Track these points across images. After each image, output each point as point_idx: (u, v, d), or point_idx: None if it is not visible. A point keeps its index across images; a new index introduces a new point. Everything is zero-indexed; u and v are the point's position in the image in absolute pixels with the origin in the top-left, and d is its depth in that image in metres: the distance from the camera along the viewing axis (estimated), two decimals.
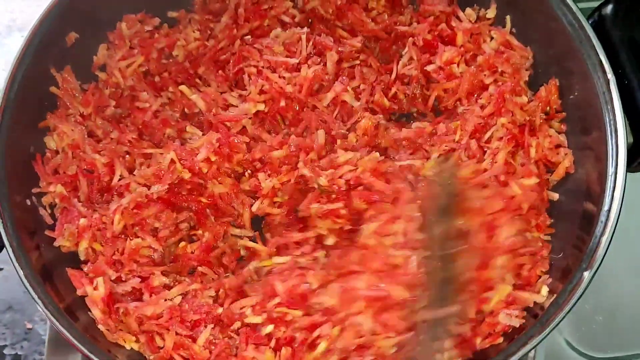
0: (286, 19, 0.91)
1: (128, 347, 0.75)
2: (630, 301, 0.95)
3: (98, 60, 0.87)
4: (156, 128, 0.85)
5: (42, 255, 0.74)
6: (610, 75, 0.73)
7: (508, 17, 0.86)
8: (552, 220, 0.79)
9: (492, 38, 0.86)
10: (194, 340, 0.74)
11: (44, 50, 0.78)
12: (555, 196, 0.79)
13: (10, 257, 0.70)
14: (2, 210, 0.70)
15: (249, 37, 0.89)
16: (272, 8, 0.91)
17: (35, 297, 0.70)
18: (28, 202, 0.76)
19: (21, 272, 0.68)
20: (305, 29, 0.87)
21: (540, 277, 0.74)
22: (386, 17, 0.92)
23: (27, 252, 0.72)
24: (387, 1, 0.92)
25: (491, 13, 0.87)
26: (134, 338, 0.75)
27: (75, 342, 0.69)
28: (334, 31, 0.91)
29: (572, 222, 0.75)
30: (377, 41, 0.93)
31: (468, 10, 0.88)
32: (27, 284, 0.69)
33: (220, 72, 0.89)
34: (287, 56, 0.85)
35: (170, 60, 0.90)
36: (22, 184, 0.76)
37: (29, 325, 1.02)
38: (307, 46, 0.86)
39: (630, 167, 0.73)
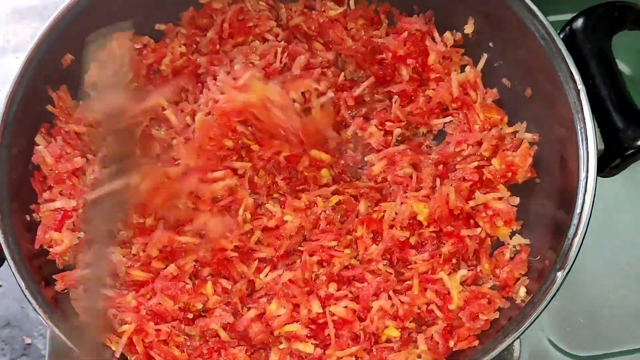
0: (269, 36, 0.93)
1: (113, 348, 0.76)
2: (609, 301, 0.97)
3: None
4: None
5: (42, 269, 0.76)
6: (580, 86, 0.76)
7: (484, 56, 0.90)
8: (522, 224, 0.83)
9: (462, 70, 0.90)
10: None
11: (41, 71, 0.81)
12: (516, 200, 0.83)
13: (11, 269, 0.72)
14: (3, 227, 0.72)
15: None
16: (256, 26, 0.94)
17: (36, 306, 0.72)
18: (27, 217, 0.79)
19: (22, 284, 0.70)
20: (283, 43, 0.91)
21: (518, 279, 0.77)
22: (363, 33, 0.94)
23: (28, 265, 0.74)
24: (365, 20, 0.95)
25: (469, 29, 0.90)
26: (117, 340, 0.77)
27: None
28: (310, 45, 0.94)
29: (547, 226, 0.78)
30: (352, 57, 0.95)
31: (447, 33, 0.91)
32: (28, 295, 0.71)
33: (199, 84, 0.91)
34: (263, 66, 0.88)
35: (157, 74, 0.93)
36: (23, 200, 0.78)
37: (28, 340, 1.03)
38: (282, 57, 0.88)
39: (602, 172, 0.77)
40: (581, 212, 0.71)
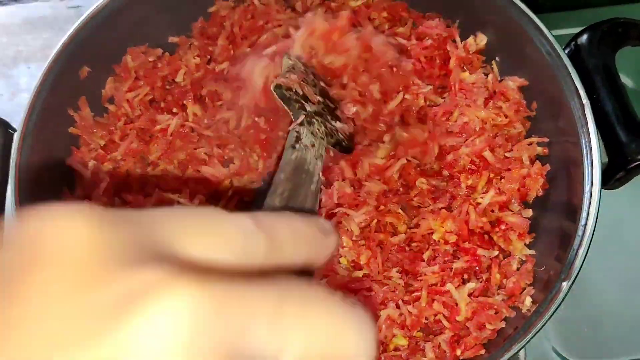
0: (279, 31, 0.93)
1: None
2: (614, 311, 0.97)
3: (106, 93, 0.92)
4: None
5: None
6: (585, 101, 0.78)
7: (494, 62, 0.91)
8: (534, 236, 0.83)
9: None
10: None
11: (59, 85, 0.83)
12: (529, 212, 0.84)
13: None
14: None
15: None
16: (267, 22, 0.94)
17: None
18: None
19: None
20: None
21: (524, 288, 0.79)
22: (387, 27, 0.95)
23: None
24: (388, 13, 0.95)
25: (481, 41, 0.91)
26: None
27: None
28: None
29: (553, 237, 0.80)
30: None
31: (470, 39, 0.91)
32: None
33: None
34: None
35: (173, 85, 0.94)
36: None
37: None
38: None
39: (607, 185, 0.78)
40: (586, 224, 0.72)
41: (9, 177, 0.76)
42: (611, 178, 0.78)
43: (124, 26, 0.90)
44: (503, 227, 0.82)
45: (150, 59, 0.93)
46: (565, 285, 0.69)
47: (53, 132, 0.84)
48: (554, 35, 0.82)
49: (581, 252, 0.70)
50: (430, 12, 0.95)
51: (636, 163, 0.76)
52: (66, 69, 0.84)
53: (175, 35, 0.96)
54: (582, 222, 0.72)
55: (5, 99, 1.31)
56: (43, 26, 1.42)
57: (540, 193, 0.83)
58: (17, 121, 1.23)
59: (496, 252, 0.81)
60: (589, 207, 0.72)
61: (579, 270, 0.69)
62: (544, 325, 0.68)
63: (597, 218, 0.72)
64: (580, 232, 0.72)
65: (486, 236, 0.82)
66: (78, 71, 0.87)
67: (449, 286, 0.77)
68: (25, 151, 0.78)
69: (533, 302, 0.75)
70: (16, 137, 0.79)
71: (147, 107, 0.92)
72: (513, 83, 0.87)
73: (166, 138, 0.89)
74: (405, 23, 0.95)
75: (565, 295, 0.68)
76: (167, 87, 0.93)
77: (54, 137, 0.85)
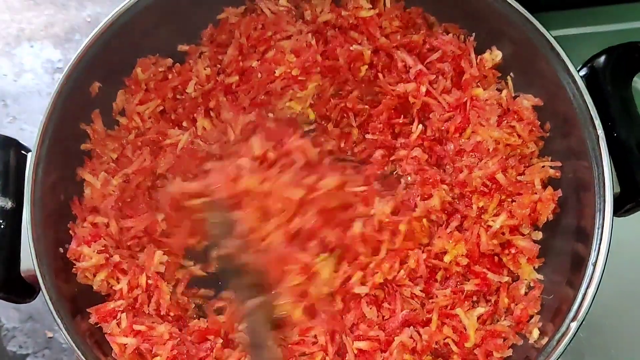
0: (287, 44, 0.92)
1: None
2: (620, 322, 0.97)
3: (117, 106, 0.91)
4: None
5: (76, 300, 0.80)
6: (600, 132, 0.77)
7: (509, 78, 0.90)
8: (543, 261, 0.84)
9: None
10: None
11: (71, 103, 0.82)
12: (539, 235, 0.85)
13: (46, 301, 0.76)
14: (39, 263, 0.75)
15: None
16: (276, 32, 0.93)
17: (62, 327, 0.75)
18: (61, 250, 0.81)
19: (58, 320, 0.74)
20: (310, 35, 0.91)
21: (531, 316, 0.80)
22: (399, 36, 0.93)
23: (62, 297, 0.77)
24: (401, 22, 0.93)
25: (496, 57, 0.90)
26: None
27: None
28: (346, 35, 0.93)
29: (562, 263, 0.81)
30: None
31: (487, 54, 0.90)
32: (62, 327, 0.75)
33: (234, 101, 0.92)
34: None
35: (184, 96, 0.93)
36: (56, 232, 0.81)
37: (50, 334, 1.06)
38: (318, 46, 0.89)
39: (616, 213, 0.79)
40: (595, 262, 0.73)
41: (24, 198, 0.77)
42: (621, 207, 0.79)
43: (134, 37, 0.89)
44: (513, 250, 0.83)
45: (160, 69, 0.92)
46: (573, 325, 0.70)
47: (66, 148, 0.84)
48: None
49: (590, 292, 0.71)
50: (446, 23, 0.93)
51: None
52: (77, 87, 0.83)
53: (185, 43, 0.95)
54: (592, 259, 0.73)
55: (9, 80, 1.30)
56: (45, 3, 1.39)
57: (551, 217, 0.84)
58: (23, 106, 1.25)
59: (506, 278, 0.83)
60: (599, 243, 0.73)
61: (588, 311, 0.71)
62: None
63: (607, 255, 0.73)
64: (589, 271, 0.72)
65: (496, 258, 0.84)
66: (89, 88, 0.86)
67: (458, 311, 0.79)
68: (40, 171, 0.78)
69: (541, 334, 0.77)
70: (30, 157, 0.78)
71: (158, 119, 0.92)
72: (528, 102, 0.87)
73: (174, 153, 0.89)
74: (420, 30, 0.94)
75: (574, 335, 0.70)
76: (178, 97, 0.93)
77: (67, 154, 0.85)
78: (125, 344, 0.78)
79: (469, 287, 0.81)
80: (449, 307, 0.80)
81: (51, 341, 1.06)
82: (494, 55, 0.90)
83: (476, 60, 0.90)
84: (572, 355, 0.94)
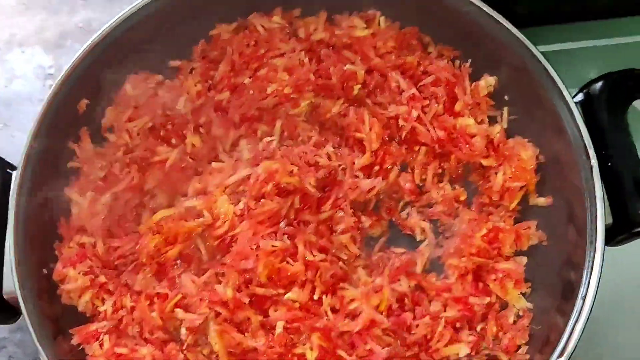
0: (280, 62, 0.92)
1: None
2: (612, 326, 0.95)
3: (106, 123, 0.91)
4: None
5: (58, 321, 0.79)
6: (593, 162, 0.77)
7: (505, 110, 0.90)
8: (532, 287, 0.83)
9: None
10: None
11: (58, 121, 0.82)
12: (524, 260, 0.84)
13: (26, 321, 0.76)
14: (21, 282, 0.75)
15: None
16: (269, 50, 0.92)
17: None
18: (45, 270, 0.81)
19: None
20: (303, 54, 0.90)
21: (520, 346, 0.79)
22: (393, 57, 0.93)
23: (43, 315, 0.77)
24: (396, 42, 0.93)
25: (489, 85, 0.90)
26: None
27: None
28: (339, 54, 0.92)
29: (552, 293, 0.80)
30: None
31: (482, 81, 0.90)
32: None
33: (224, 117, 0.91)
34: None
35: (174, 112, 0.92)
36: (39, 254, 0.80)
37: None
38: (310, 65, 0.89)
39: (609, 244, 0.78)
40: (585, 296, 0.72)
41: (8, 216, 0.76)
42: (613, 238, 0.78)
43: (124, 53, 0.88)
44: (500, 274, 0.83)
45: (150, 86, 0.91)
46: None
47: (52, 167, 0.84)
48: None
49: (578, 328, 0.71)
50: (441, 44, 0.93)
51: None
52: (64, 104, 0.83)
53: (177, 59, 0.94)
54: (582, 292, 0.72)
55: (0, 85, 1.29)
56: (37, 8, 1.38)
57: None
58: (14, 113, 1.24)
59: (487, 299, 0.82)
60: (589, 278, 0.73)
61: (577, 345, 0.70)
62: None
63: (596, 291, 0.72)
64: (578, 306, 0.72)
65: (481, 284, 0.83)
66: (76, 105, 0.85)
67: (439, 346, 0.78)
68: (24, 192, 0.78)
69: None
70: (15, 175, 0.78)
71: (147, 136, 0.91)
72: (526, 153, 0.86)
73: (163, 169, 0.88)
74: (415, 51, 0.93)
75: None
76: (168, 113, 0.92)
77: (53, 173, 0.84)
78: None
79: (450, 313, 0.80)
80: (428, 336, 0.79)
81: None
82: (488, 82, 0.89)
83: (470, 87, 0.89)
84: None
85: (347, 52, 0.92)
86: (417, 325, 0.80)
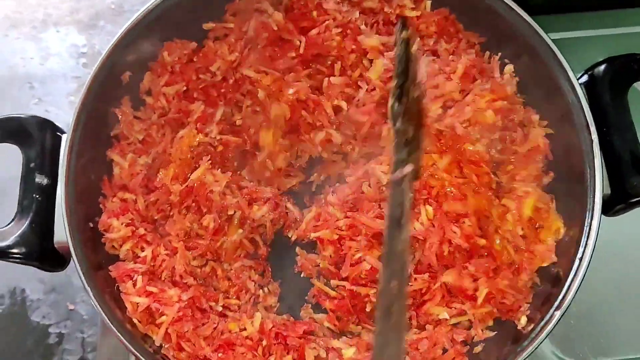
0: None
1: (154, 338, 0.84)
2: (612, 311, 1.02)
3: (144, 87, 0.97)
4: None
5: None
6: (594, 137, 0.83)
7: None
8: None
9: None
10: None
11: (104, 90, 0.89)
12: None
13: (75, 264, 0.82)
14: (72, 233, 0.82)
15: None
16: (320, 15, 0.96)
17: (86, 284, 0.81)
18: (90, 224, 0.88)
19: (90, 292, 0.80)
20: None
21: (521, 306, 0.85)
22: (431, 42, 0.97)
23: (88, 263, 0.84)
24: (437, 27, 0.97)
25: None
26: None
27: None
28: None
29: (556, 252, 0.85)
30: None
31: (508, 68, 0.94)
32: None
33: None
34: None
35: (207, 74, 0.97)
36: (86, 209, 0.87)
37: (71, 307, 1.12)
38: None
39: (606, 214, 0.84)
40: (582, 257, 0.78)
41: (59, 178, 0.83)
42: (611, 208, 0.84)
43: (163, 27, 0.94)
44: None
45: (185, 52, 0.96)
46: (557, 314, 0.76)
47: (97, 132, 0.90)
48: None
49: (575, 285, 0.77)
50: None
51: (637, 199, 0.82)
52: (110, 75, 0.89)
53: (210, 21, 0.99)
54: (579, 254, 0.79)
55: (36, 63, 1.35)
56: None
57: None
58: (48, 89, 1.30)
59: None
60: (586, 241, 0.79)
61: (571, 302, 0.76)
62: (536, 348, 0.76)
63: (593, 252, 0.78)
64: (575, 266, 0.78)
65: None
66: (120, 76, 0.92)
67: None
68: (74, 153, 0.84)
69: (528, 321, 0.82)
70: (65, 140, 0.85)
71: (181, 98, 0.97)
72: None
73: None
74: (451, 40, 0.98)
75: (557, 322, 0.76)
76: (201, 75, 0.97)
77: (98, 137, 0.91)
78: (137, 303, 0.84)
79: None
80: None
81: (72, 313, 1.11)
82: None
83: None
84: (562, 341, 0.99)
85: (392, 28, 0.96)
86: (415, 279, 0.86)
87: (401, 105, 0.77)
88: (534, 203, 0.85)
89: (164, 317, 0.83)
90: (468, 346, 0.85)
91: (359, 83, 0.95)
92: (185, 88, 0.97)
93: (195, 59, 0.97)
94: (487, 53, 0.96)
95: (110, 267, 0.86)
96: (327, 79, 0.95)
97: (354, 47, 0.95)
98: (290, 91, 0.92)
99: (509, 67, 0.93)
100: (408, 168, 0.71)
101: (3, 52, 1.35)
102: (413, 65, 0.80)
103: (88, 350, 1.09)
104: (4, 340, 1.09)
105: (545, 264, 0.85)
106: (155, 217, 0.91)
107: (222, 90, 0.97)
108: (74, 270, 0.80)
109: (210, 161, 0.91)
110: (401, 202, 0.68)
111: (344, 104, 0.95)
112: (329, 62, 0.98)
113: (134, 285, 0.84)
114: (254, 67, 0.94)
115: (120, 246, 0.88)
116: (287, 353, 0.83)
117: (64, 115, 0.86)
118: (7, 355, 1.08)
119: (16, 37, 1.37)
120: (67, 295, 1.13)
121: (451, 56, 0.94)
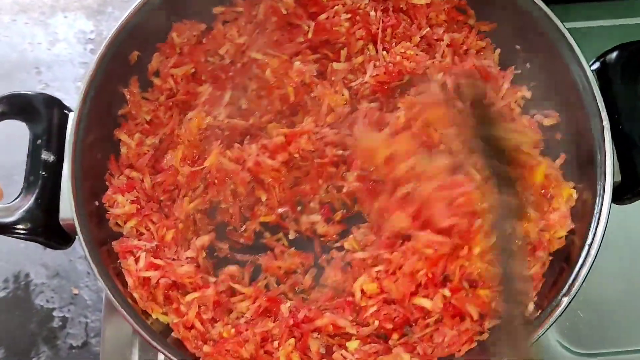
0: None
1: (154, 317, 0.84)
2: (617, 302, 1.01)
3: (152, 68, 0.96)
4: None
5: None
6: (605, 123, 0.82)
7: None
8: None
9: None
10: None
11: (112, 68, 0.88)
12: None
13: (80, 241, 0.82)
14: (77, 210, 0.81)
15: None
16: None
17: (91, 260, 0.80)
18: (96, 203, 0.87)
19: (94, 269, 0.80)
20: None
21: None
22: (441, 31, 0.96)
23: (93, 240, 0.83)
24: (447, 16, 0.97)
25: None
26: (160, 309, 0.85)
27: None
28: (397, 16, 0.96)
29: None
30: None
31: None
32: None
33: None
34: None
35: (216, 56, 0.97)
36: (91, 186, 0.86)
37: (75, 291, 1.12)
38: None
39: (617, 202, 0.83)
40: (591, 243, 0.77)
41: (65, 155, 0.83)
42: (622, 196, 0.84)
43: (171, 7, 0.94)
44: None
45: (194, 34, 0.96)
46: (565, 300, 0.75)
47: (104, 110, 0.90)
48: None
49: (583, 271, 0.76)
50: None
51: None
52: (118, 54, 0.89)
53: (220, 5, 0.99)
54: (588, 240, 0.78)
55: (43, 48, 1.35)
56: None
57: None
58: (55, 74, 1.30)
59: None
60: (596, 227, 0.78)
61: (580, 287, 0.76)
62: (543, 333, 0.75)
63: (602, 239, 0.78)
64: (584, 252, 0.77)
65: None
66: (129, 56, 0.92)
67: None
68: (81, 130, 0.84)
69: (536, 307, 0.81)
70: (72, 117, 0.84)
71: (189, 80, 0.97)
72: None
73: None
74: (461, 30, 0.98)
75: (565, 308, 0.75)
76: (209, 58, 0.97)
77: (106, 116, 0.91)
78: (145, 277, 0.84)
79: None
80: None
81: (76, 297, 1.12)
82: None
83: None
84: (570, 331, 0.99)
85: (402, 16, 0.97)
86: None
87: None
88: (544, 170, 0.84)
89: (193, 294, 0.83)
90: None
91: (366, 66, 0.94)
92: (193, 70, 0.96)
93: (204, 41, 0.97)
94: (498, 50, 0.96)
95: (113, 243, 0.86)
96: (330, 64, 0.95)
97: (363, 33, 0.95)
98: (296, 66, 0.92)
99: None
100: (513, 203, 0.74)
101: (11, 37, 1.36)
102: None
103: (91, 335, 1.10)
104: (8, 324, 1.09)
105: (562, 233, 0.84)
106: (161, 198, 0.91)
107: (230, 74, 0.96)
108: (79, 255, 0.81)
109: (221, 144, 0.91)
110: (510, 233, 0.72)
111: (346, 93, 0.94)
112: (338, 48, 0.97)
113: (136, 262, 0.84)
114: (262, 50, 0.94)
115: (125, 223, 0.88)
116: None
117: (70, 101, 0.86)
118: (11, 338, 1.09)
119: (25, 22, 1.38)
120: (71, 280, 1.14)
121: (456, 57, 0.95)
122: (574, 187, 0.86)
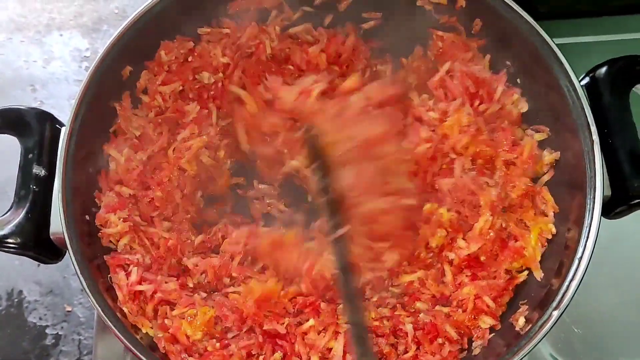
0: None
1: (144, 331, 0.84)
2: (609, 315, 1.02)
3: (140, 85, 0.97)
4: None
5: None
6: (595, 137, 0.82)
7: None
8: None
9: None
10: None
11: (103, 84, 0.88)
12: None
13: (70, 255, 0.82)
14: (68, 226, 0.81)
15: None
16: None
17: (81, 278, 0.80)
18: (87, 217, 0.87)
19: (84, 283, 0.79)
20: None
21: (520, 307, 0.84)
22: None
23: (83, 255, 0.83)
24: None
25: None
26: (149, 324, 0.85)
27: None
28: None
29: (555, 253, 0.85)
30: None
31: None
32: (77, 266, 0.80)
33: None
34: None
35: (203, 74, 0.98)
36: (82, 202, 0.87)
37: (69, 308, 1.12)
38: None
39: (607, 216, 0.84)
40: (581, 257, 0.77)
41: (56, 168, 0.83)
42: (612, 210, 0.84)
43: (161, 25, 0.95)
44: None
45: (182, 52, 0.97)
46: (555, 313, 0.75)
47: (95, 125, 0.90)
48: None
49: (573, 284, 0.76)
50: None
51: (638, 200, 0.82)
52: (110, 69, 0.89)
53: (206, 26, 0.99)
54: (578, 254, 0.78)
55: (39, 66, 1.37)
56: None
57: None
58: (50, 92, 1.31)
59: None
60: (586, 241, 0.78)
61: (570, 300, 0.76)
62: (534, 347, 0.75)
63: (592, 253, 0.78)
64: (574, 265, 0.77)
65: None
66: (121, 71, 0.92)
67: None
68: (72, 145, 0.84)
69: (526, 322, 0.81)
70: (64, 131, 0.84)
71: (177, 98, 0.97)
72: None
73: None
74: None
75: (556, 322, 0.75)
76: (197, 76, 0.98)
77: (96, 131, 0.91)
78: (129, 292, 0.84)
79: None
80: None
81: (69, 315, 1.12)
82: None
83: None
84: (564, 346, 0.99)
85: None
86: None
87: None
88: (531, 147, 0.88)
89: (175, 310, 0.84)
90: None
91: None
92: (181, 88, 0.97)
93: (190, 59, 0.98)
94: (488, 56, 0.97)
95: (105, 257, 0.87)
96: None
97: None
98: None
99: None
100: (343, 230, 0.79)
101: (7, 54, 1.37)
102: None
103: (84, 353, 1.10)
104: (0, 341, 1.09)
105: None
106: (152, 215, 0.91)
107: (212, 93, 0.98)
108: (72, 272, 0.81)
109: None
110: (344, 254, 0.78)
111: None
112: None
113: (127, 276, 0.84)
114: (243, 80, 0.96)
115: (118, 241, 0.88)
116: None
117: (65, 118, 0.86)
118: (3, 355, 1.08)
119: (20, 40, 1.39)
120: (65, 297, 1.14)
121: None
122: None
